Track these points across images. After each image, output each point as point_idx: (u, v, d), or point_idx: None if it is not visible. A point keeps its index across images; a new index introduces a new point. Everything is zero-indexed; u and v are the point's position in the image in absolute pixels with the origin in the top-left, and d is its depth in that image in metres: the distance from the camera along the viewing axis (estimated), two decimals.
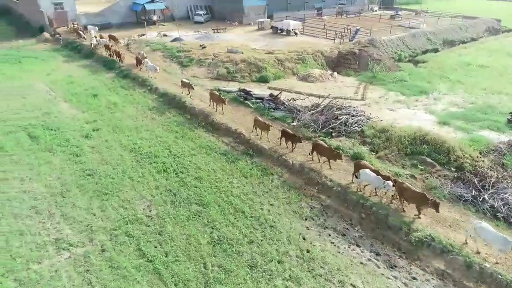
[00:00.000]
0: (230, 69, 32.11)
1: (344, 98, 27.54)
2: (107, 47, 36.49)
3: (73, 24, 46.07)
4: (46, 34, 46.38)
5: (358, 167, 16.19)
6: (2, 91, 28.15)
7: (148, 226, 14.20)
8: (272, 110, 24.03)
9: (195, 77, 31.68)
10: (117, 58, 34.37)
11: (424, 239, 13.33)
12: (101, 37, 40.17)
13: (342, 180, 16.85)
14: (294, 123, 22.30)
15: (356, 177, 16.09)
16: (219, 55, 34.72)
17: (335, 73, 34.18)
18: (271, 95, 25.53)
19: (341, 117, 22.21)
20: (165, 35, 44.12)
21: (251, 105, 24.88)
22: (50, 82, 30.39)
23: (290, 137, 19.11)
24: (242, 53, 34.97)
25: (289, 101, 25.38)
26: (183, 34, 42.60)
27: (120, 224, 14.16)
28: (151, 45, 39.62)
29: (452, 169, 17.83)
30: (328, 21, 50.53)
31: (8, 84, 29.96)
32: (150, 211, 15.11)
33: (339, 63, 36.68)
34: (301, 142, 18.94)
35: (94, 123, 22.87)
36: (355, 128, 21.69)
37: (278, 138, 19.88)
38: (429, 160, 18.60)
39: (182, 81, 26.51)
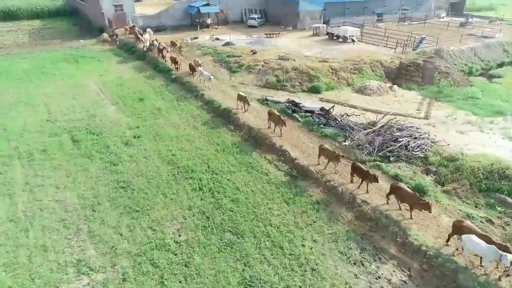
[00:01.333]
0: (280, 78, 30.38)
1: (404, 115, 24.75)
2: (160, 51, 36.15)
3: (131, 26, 46.94)
4: (105, 35, 47.85)
5: (458, 229, 12.62)
6: (57, 90, 28.85)
7: (175, 254, 12.84)
8: (322, 126, 21.87)
9: (243, 84, 30.37)
10: (173, 65, 33.02)
11: None
12: (156, 40, 40.02)
13: (399, 217, 14.36)
14: (346, 143, 20.01)
15: (448, 239, 13.08)
16: (270, 61, 33.13)
17: (395, 86, 31.10)
18: (322, 109, 23.38)
19: (401, 139, 19.52)
20: (217, 39, 43.48)
21: (299, 119, 22.92)
22: (101, 83, 30.71)
23: (362, 174, 15.82)
24: (294, 60, 33.07)
25: (342, 116, 23.07)
26: (235, 38, 41.66)
27: (146, 250, 12.95)
28: (202, 48, 39.05)
29: None
30: (389, 28, 46.96)
31: (63, 83, 30.71)
32: (179, 236, 13.78)
33: (400, 75, 33.49)
34: (377, 182, 15.48)
35: (136, 129, 22.28)
36: (417, 153, 18.90)
37: (326, 161, 17.75)
38: (510, 200, 15.46)
39: (238, 95, 24.11)
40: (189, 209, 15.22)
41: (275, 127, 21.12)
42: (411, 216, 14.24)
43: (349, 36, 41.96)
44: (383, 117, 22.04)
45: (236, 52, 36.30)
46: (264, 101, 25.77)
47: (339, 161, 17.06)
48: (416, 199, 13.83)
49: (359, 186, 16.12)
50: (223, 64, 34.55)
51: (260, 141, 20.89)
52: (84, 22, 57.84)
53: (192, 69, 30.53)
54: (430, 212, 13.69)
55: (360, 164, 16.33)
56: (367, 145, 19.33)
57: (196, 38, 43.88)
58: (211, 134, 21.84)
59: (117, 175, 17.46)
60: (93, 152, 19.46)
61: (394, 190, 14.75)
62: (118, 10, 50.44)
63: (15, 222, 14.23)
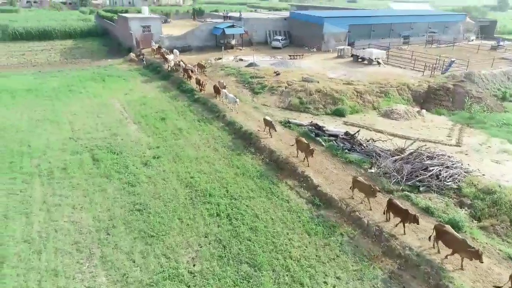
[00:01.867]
0: (303, 100, 29.81)
1: (434, 142, 23.51)
2: (185, 71, 36.11)
3: (158, 46, 47.83)
4: (132, 55, 49.05)
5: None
6: (83, 108, 29.32)
7: (188, 286, 12.10)
8: (347, 151, 20.97)
9: (265, 105, 29.97)
10: (198, 86, 32.69)
11: None
12: (181, 61, 40.24)
13: (433, 255, 13.16)
14: (372, 170, 18.99)
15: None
16: (293, 83, 32.69)
17: (423, 111, 29.89)
18: (347, 133, 22.51)
19: (432, 168, 18.34)
20: (241, 60, 43.66)
21: (323, 143, 22.11)
22: (125, 102, 31.05)
23: (400, 213, 14.33)
24: (318, 82, 32.51)
25: (368, 141, 22.11)
26: (258, 59, 41.75)
27: (158, 279, 12.30)
28: (226, 69, 39.18)
29: None
30: (416, 51, 45.89)
31: (89, 101, 31.26)
32: (194, 265, 13.08)
33: (429, 99, 32.27)
34: (418, 224, 13.87)
35: (156, 150, 22.07)
36: (449, 183, 17.64)
37: (351, 187, 16.80)
38: None
39: (264, 120, 23.18)
40: (205, 237, 14.55)
41: (304, 157, 19.70)
42: (461, 266, 12.63)
43: (375, 59, 41.20)
44: (412, 144, 20.94)
45: (259, 73, 36.18)
46: (286, 124, 25.18)
47: (375, 196, 15.68)
48: (465, 246, 12.32)
49: (396, 225, 14.63)
50: (246, 85, 34.40)
51: (281, 165, 20.17)
52: (113, 43, 59.78)
53: (217, 90, 30.02)
54: (482, 262, 12.07)
55: (397, 202, 14.82)
56: (395, 173, 18.25)
57: (220, 58, 44.22)
58: (231, 156, 21.32)
59: (134, 197, 17.08)
60: (112, 172, 19.27)
61: (439, 234, 13.19)
62: (146, 31, 51.83)
63: (29, 243, 13.96)
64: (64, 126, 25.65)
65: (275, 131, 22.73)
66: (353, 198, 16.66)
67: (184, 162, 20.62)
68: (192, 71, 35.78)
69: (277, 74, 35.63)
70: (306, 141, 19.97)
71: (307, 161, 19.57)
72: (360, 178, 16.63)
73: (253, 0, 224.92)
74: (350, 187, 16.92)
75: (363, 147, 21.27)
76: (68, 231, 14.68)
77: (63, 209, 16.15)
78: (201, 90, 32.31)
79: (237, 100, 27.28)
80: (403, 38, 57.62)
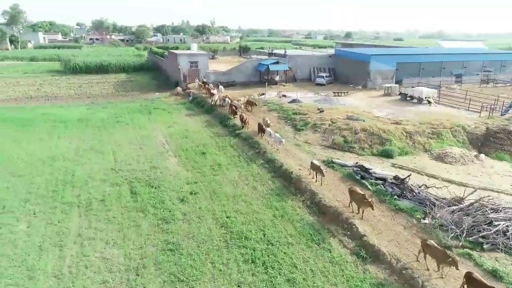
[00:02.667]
0: (347, 138, 28.48)
1: (497, 191, 21.01)
2: (231, 107, 35.22)
3: (203, 81, 49.09)
4: (179, 89, 50.78)
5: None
6: (127, 139, 30.05)
7: None
8: (396, 197, 19.17)
9: (307, 143, 28.95)
10: (242, 123, 31.82)
11: None
12: (227, 96, 40.01)
13: None
14: (426, 221, 17.01)
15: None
16: (337, 121, 31.57)
17: (482, 155, 27.28)
18: (396, 177, 20.76)
19: (497, 223, 16.08)
20: (284, 96, 43.51)
21: (369, 187, 20.47)
22: (168, 135, 31.47)
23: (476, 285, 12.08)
24: (364, 121, 31.13)
25: (420, 187, 20.17)
26: (302, 96, 41.32)
27: None
28: (269, 104, 39.04)
29: None
30: (470, 90, 43.19)
31: (134, 132, 32.08)
32: None
33: (487, 143, 29.57)
34: None
35: (194, 185, 21.62)
36: None
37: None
38: None
39: (312, 164, 21.50)
40: (238, 286, 13.36)
41: (359, 209, 17.63)
42: None
43: (425, 97, 39.21)
44: (472, 193, 18.75)
45: (302, 109, 35.55)
46: (329, 164, 23.87)
47: (458, 269, 12.94)
48: None
49: None
50: (288, 121, 33.78)
51: (323, 209, 18.76)
52: (162, 77, 62.63)
53: (261, 128, 28.96)
54: None
55: (480, 277, 12.19)
56: (453, 227, 16.17)
57: (263, 94, 44.38)
58: (270, 196, 20.29)
59: (168, 235, 16.42)
60: (148, 206, 18.92)
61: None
62: (193, 66, 53.73)
63: (59, 279, 13.56)
64: (107, 156, 26.20)
65: (323, 176, 20.60)
66: (375, 232, 14.77)
67: (221, 199, 19.88)
68: (237, 108, 35.29)
69: (321, 111, 34.77)
70: (361, 191, 17.93)
71: (362, 214, 17.54)
72: (431, 242, 14.00)
73: (298, 38, 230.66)
74: (419, 254, 14.37)
75: (414, 194, 19.37)
76: (98, 269, 14.16)
77: (96, 243, 15.81)
78: (243, 127, 31.67)
79: (283, 140, 25.96)
80: (455, 76, 54.95)
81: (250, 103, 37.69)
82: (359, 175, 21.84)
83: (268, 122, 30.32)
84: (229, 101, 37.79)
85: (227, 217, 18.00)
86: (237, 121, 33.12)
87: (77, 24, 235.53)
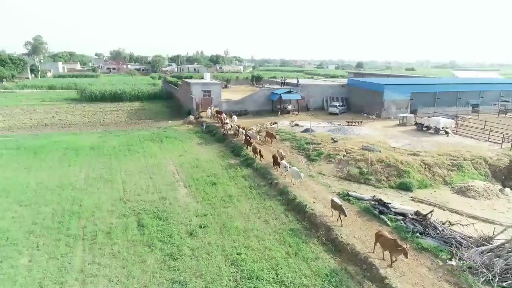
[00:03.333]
0: (363, 170, 27.46)
1: None
2: (247, 139, 33.69)
3: (217, 111, 48.31)
4: (191, 117, 50.86)
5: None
6: (137, 168, 29.60)
7: None
8: (419, 235, 17.90)
9: (321, 174, 28.00)
10: (254, 154, 30.75)
11: None
12: (240, 126, 38.95)
13: None
14: (453, 263, 15.67)
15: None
16: (352, 151, 30.67)
17: (507, 189, 25.83)
18: (417, 213, 19.54)
19: None
20: (296, 125, 43.01)
21: (388, 223, 19.28)
22: (178, 164, 30.95)
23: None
24: (380, 151, 30.08)
25: (443, 224, 18.88)
26: (315, 125, 40.71)
27: None
28: (281, 134, 38.47)
29: None
30: (489, 121, 41.98)
31: (144, 161, 31.69)
32: None
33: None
34: None
35: (204, 218, 20.75)
36: None
37: None
38: None
39: (332, 202, 19.69)
40: None
41: (391, 257, 15.60)
42: None
43: (442, 128, 38.13)
44: (502, 232, 17.40)
45: (315, 139, 34.85)
46: (345, 197, 22.80)
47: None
48: None
49: None
50: (301, 151, 33.03)
51: (340, 246, 17.59)
52: (175, 105, 63.17)
53: (276, 161, 27.51)
54: None
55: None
56: (484, 270, 14.81)
57: (275, 123, 43.97)
58: (283, 231, 19.22)
59: (174, 273, 15.45)
60: (155, 240, 18.06)
61: None
62: (206, 95, 54.13)
63: None
64: (116, 185, 25.68)
65: (345, 216, 18.84)
66: (397, 274, 13.53)
67: (231, 234, 18.90)
68: (251, 138, 34.04)
69: (335, 141, 33.99)
70: (391, 236, 16.16)
71: (392, 261, 15.60)
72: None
73: (310, 68, 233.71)
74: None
75: (438, 232, 18.07)
76: None
77: (98, 281, 14.92)
78: (255, 156, 30.67)
79: (302, 174, 24.04)
80: (472, 106, 53.88)
81: (269, 135, 35.60)
82: (377, 210, 20.68)
83: (283, 154, 29.01)
84: (243, 131, 36.97)
85: (237, 254, 16.97)
86: (250, 152, 31.98)
87: (96, 54, 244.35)
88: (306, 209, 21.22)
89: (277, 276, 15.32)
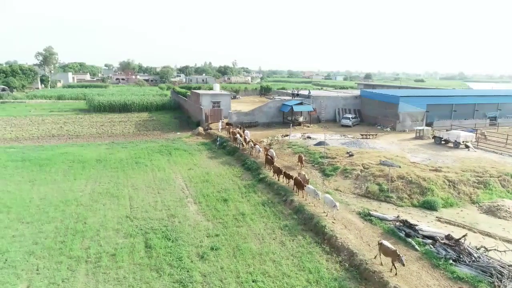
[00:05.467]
0: (383, 187, 25.88)
1: None
2: (268, 159, 30.53)
3: (227, 123, 46.67)
4: (200, 129, 49.73)
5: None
6: (144, 183, 28.38)
7: None
8: (452, 262, 16.27)
9: (338, 190, 26.49)
10: (277, 176, 27.82)
11: None
12: (255, 143, 35.56)
13: None
14: None
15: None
16: (370, 166, 29.13)
17: None
18: (449, 237, 17.90)
19: None
20: (309, 137, 41.63)
21: (416, 247, 17.68)
22: (188, 178, 29.67)
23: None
24: (399, 167, 28.59)
25: (478, 249, 17.21)
26: (328, 138, 39.30)
27: None
28: (294, 147, 37.11)
29: None
30: (510, 133, 40.21)
31: (152, 175, 30.46)
32: None
33: None
34: None
35: (215, 238, 19.33)
36: None
37: None
38: None
39: (381, 246, 16.32)
40: None
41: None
42: None
43: (462, 142, 36.45)
44: None
45: (330, 152, 33.40)
46: (366, 216, 21.26)
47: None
48: None
49: None
50: (315, 166, 31.58)
51: (365, 273, 16.02)
52: (184, 116, 62.25)
53: (299, 185, 24.38)
54: None
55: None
56: None
57: (287, 135, 42.69)
58: (301, 255, 17.70)
59: None
60: (163, 264, 16.66)
61: None
62: (216, 106, 53.13)
63: None
64: (123, 201, 24.43)
65: (403, 265, 15.26)
66: None
67: (245, 257, 17.43)
68: (273, 158, 30.74)
69: (350, 155, 32.49)
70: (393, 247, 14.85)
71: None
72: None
73: (318, 79, 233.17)
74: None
75: (474, 258, 16.42)
76: None
77: None
78: (277, 178, 27.62)
79: (337, 204, 20.67)
80: (489, 119, 52.16)
81: (300, 160, 30.75)
82: (403, 232, 19.10)
83: (307, 177, 25.78)
84: (260, 148, 33.43)
85: (253, 282, 15.49)
86: (271, 172, 29.11)
87: (105, 65, 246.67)
88: (325, 230, 19.66)
89: None
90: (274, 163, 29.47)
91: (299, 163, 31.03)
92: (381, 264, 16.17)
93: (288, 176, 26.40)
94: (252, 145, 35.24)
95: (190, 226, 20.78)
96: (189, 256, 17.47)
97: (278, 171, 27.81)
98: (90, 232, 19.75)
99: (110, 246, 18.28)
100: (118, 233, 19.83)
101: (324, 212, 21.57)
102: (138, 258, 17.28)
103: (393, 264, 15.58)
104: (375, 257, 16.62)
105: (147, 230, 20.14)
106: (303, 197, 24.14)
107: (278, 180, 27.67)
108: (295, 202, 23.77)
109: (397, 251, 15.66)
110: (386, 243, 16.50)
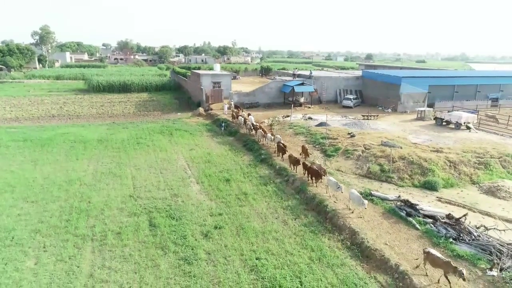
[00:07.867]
0: (384, 167, 26.03)
1: None
2: (280, 146, 28.41)
3: (236, 106, 45.89)
4: (201, 109, 49.55)
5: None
6: (147, 163, 28.48)
7: None
8: (452, 240, 16.55)
9: (339, 171, 26.65)
10: (292, 166, 25.66)
11: None
12: (265, 132, 32.89)
13: None
14: (494, 273, 14.32)
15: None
16: (371, 147, 29.22)
17: None
18: (449, 216, 18.15)
19: None
20: (310, 118, 41.57)
21: (417, 226, 17.94)
22: (190, 158, 29.78)
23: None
24: (401, 147, 28.69)
25: (478, 228, 17.48)
26: (329, 119, 39.24)
27: None
28: (295, 128, 37.10)
29: None
30: (511, 115, 40.17)
31: (154, 155, 30.54)
32: None
33: None
34: None
35: (219, 217, 19.56)
36: None
37: None
38: None
39: (428, 255, 14.28)
40: None
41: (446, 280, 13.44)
42: None
43: (464, 123, 36.43)
44: None
45: (331, 133, 33.41)
46: (368, 196, 21.44)
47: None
48: None
49: None
50: (317, 146, 31.67)
51: (367, 252, 16.31)
52: (184, 97, 61.85)
53: (317, 175, 22.50)
54: None
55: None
56: None
57: (288, 116, 42.57)
58: (304, 234, 17.97)
59: (189, 280, 14.29)
60: (168, 242, 16.92)
61: None
62: (216, 86, 52.70)
63: None
64: (126, 181, 24.59)
65: (464, 280, 13.33)
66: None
67: (249, 236, 17.69)
68: (285, 146, 28.50)
69: (352, 135, 32.53)
70: (444, 258, 13.94)
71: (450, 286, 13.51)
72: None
73: (318, 59, 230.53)
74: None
75: (474, 237, 16.69)
76: None
77: (109, 286, 13.83)
78: (293, 168, 25.59)
79: (366, 202, 18.65)
80: (491, 100, 51.94)
81: (305, 152, 27.86)
82: (404, 211, 19.33)
83: (324, 168, 23.89)
84: (272, 137, 31.05)
85: (256, 259, 15.76)
86: (284, 161, 27.45)
87: (103, 45, 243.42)
88: (327, 209, 19.91)
89: (301, 285, 14.10)
90: (287, 152, 27.44)
91: (302, 154, 27.99)
92: (426, 275, 14.23)
93: (308, 169, 23.57)
94: (262, 132, 32.73)
95: (193, 206, 21.00)
96: (193, 235, 17.73)
97: (295, 162, 25.28)
98: (95, 211, 19.97)
99: (115, 225, 18.53)
100: (122, 212, 20.05)
101: (348, 208, 19.74)
102: (143, 236, 17.53)
103: (447, 278, 13.53)
104: (417, 267, 14.68)
105: (151, 209, 20.36)
106: (324, 190, 21.90)
107: (293, 169, 25.61)
108: (297, 182, 23.94)
109: (451, 262, 13.59)
110: (434, 251, 14.37)
